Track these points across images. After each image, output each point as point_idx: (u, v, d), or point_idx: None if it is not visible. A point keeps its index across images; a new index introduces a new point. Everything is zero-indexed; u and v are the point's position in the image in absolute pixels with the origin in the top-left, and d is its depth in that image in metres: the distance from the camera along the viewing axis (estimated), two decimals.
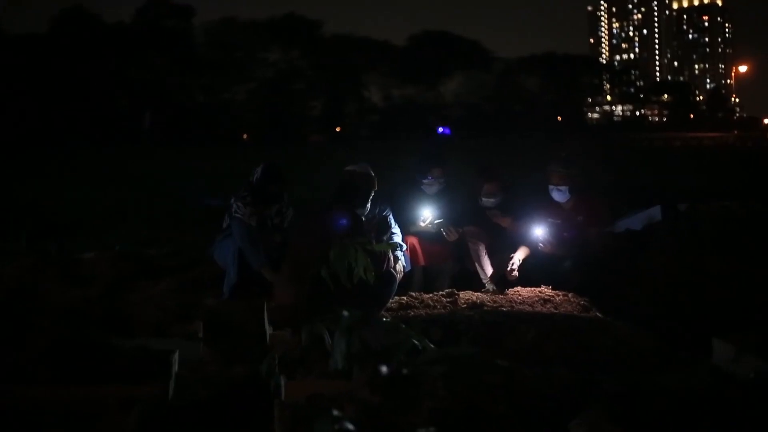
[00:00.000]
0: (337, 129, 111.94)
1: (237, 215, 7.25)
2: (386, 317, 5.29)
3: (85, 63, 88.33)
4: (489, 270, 7.81)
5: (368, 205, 6.93)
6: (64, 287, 7.51)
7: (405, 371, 3.28)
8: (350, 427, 2.94)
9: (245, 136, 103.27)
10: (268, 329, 5.97)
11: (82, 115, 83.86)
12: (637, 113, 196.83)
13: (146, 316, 6.25)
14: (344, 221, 6.45)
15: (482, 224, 7.97)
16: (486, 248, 7.91)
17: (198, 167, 33.34)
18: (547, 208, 8.01)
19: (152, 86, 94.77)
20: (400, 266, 6.99)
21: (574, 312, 6.61)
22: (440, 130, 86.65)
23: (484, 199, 8.03)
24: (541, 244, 7.75)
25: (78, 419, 4.00)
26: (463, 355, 3.67)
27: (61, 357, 4.64)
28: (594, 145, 55.20)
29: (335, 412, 2.98)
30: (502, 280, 7.72)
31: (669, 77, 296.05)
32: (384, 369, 3.27)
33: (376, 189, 7.04)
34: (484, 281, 7.78)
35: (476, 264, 7.87)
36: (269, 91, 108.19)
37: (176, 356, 5.06)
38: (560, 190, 7.91)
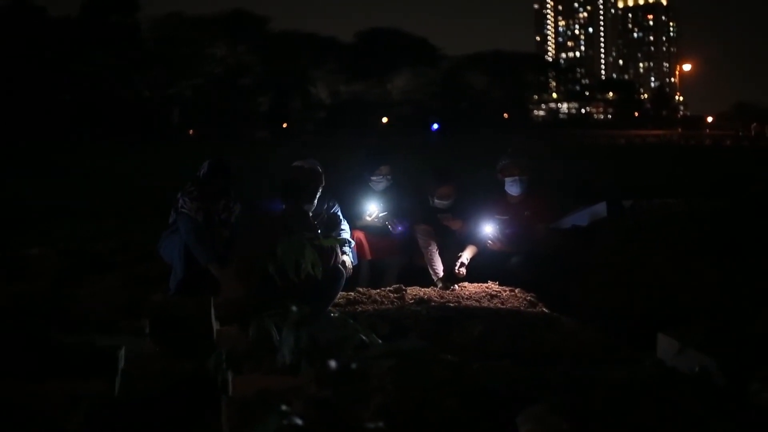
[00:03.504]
0: (284, 125, 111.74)
1: (183, 210, 7.19)
2: (334, 313, 5.30)
3: (30, 57, 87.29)
4: (440, 269, 7.83)
5: (315, 201, 6.92)
6: (7, 283, 7.42)
7: (354, 366, 3.28)
8: (298, 422, 2.94)
9: (191, 131, 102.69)
10: (215, 325, 5.95)
11: (26, 109, 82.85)
12: (583, 111, 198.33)
13: (92, 312, 6.20)
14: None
15: (431, 223, 8.00)
16: (437, 246, 7.94)
17: (144, 163, 33.14)
18: (494, 204, 8.07)
19: (97, 81, 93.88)
20: (348, 262, 7.00)
21: (521, 307, 6.68)
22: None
23: (437, 201, 8.07)
24: (489, 241, 7.81)
25: (23, 415, 3.97)
26: (411, 349, 3.68)
27: (4, 352, 4.59)
28: (540, 142, 55.59)
29: (284, 407, 2.97)
30: (450, 277, 7.76)
31: (614, 75, 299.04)
32: (333, 364, 3.26)
33: (323, 185, 7.04)
34: (435, 280, 7.80)
35: (428, 263, 7.88)
36: (216, 86, 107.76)
37: (122, 352, 5.03)
38: (522, 181, 7.97)
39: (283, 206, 6.63)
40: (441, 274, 7.78)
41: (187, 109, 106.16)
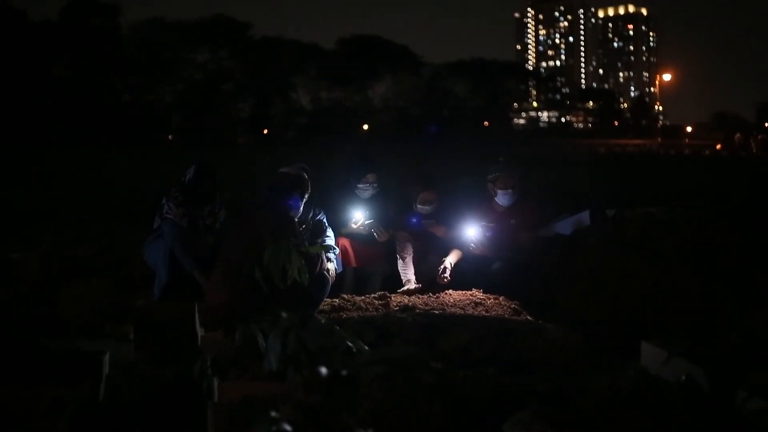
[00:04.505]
0: (265, 131, 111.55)
1: (168, 216, 7.18)
2: (320, 319, 5.30)
3: (10, 60, 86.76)
4: (411, 273, 7.87)
5: (301, 207, 6.92)
6: None
7: (344, 372, 3.28)
8: (287, 428, 2.94)
9: (170, 137, 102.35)
10: (200, 331, 5.94)
11: (6, 113, 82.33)
12: (563, 120, 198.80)
13: (76, 317, 6.17)
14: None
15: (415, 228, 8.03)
16: (414, 251, 7.96)
17: (126, 167, 33.07)
18: (480, 210, 8.10)
19: (77, 85, 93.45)
20: (332, 268, 6.99)
21: (506, 315, 6.68)
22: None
23: (419, 206, 8.08)
24: (472, 245, 7.83)
25: (8, 420, 3.95)
26: (401, 356, 3.69)
27: None
28: (521, 151, 55.77)
29: (273, 413, 2.97)
30: (433, 283, 7.78)
31: (594, 85, 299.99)
32: (324, 370, 3.27)
33: (309, 192, 7.04)
34: (404, 281, 7.85)
35: (399, 267, 7.93)
36: (197, 92, 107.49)
37: (107, 357, 5.02)
38: (509, 194, 8.03)
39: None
40: (411, 277, 7.86)
41: (168, 114, 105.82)
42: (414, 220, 8.03)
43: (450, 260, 7.87)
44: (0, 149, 52.17)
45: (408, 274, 7.88)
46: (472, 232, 7.87)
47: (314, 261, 6.19)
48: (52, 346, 4.85)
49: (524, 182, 8.30)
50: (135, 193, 17.88)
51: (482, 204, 8.21)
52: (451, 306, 6.98)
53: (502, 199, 8.10)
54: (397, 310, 6.69)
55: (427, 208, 8.07)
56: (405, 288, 7.76)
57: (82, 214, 14.70)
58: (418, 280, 7.90)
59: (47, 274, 7.94)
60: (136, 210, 12.45)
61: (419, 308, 6.84)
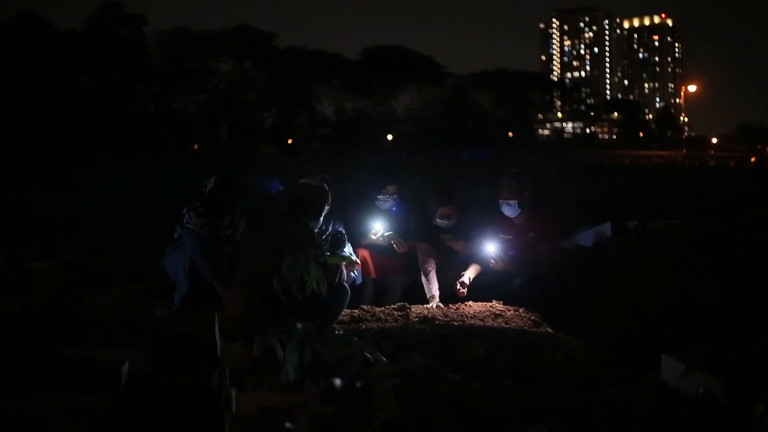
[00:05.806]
0: (289, 141, 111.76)
1: (189, 226, 7.19)
2: (338, 330, 5.29)
3: (36, 70, 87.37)
4: (435, 288, 7.83)
5: (321, 219, 6.91)
6: (10, 296, 7.41)
7: (358, 384, 3.28)
8: None
9: (195, 146, 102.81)
10: (219, 341, 5.94)
11: (32, 122, 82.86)
12: (588, 130, 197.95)
13: (96, 326, 6.18)
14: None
15: (434, 242, 8.00)
16: (436, 265, 7.93)
17: (147, 177, 33.19)
18: (498, 224, 8.07)
19: (102, 94, 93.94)
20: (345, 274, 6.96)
21: (525, 327, 6.65)
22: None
23: (438, 220, 8.04)
24: (492, 261, 7.79)
25: (27, 429, 3.96)
26: (416, 368, 3.68)
27: (8, 366, 4.58)
28: (544, 162, 55.62)
29: (288, 425, 2.97)
30: (451, 297, 7.75)
31: (619, 95, 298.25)
32: (338, 382, 3.26)
33: (329, 203, 7.03)
34: (428, 297, 7.80)
35: (423, 279, 7.88)
36: (221, 101, 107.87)
37: (126, 367, 5.02)
38: (510, 204, 7.99)
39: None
40: (435, 293, 7.80)
41: (193, 123, 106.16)
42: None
43: (468, 275, 7.83)
44: (25, 158, 52.56)
45: (432, 289, 7.83)
46: (492, 248, 7.84)
47: (333, 272, 6.18)
48: (71, 355, 4.86)
49: (530, 195, 8.22)
50: (157, 202, 17.93)
51: (498, 216, 8.18)
52: (471, 317, 6.96)
53: (505, 209, 8.07)
54: (416, 321, 6.68)
55: (446, 222, 8.04)
56: (431, 305, 7.71)
57: (104, 223, 14.77)
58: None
59: (68, 283, 7.97)
60: (158, 219, 12.47)
61: (439, 319, 6.82)
